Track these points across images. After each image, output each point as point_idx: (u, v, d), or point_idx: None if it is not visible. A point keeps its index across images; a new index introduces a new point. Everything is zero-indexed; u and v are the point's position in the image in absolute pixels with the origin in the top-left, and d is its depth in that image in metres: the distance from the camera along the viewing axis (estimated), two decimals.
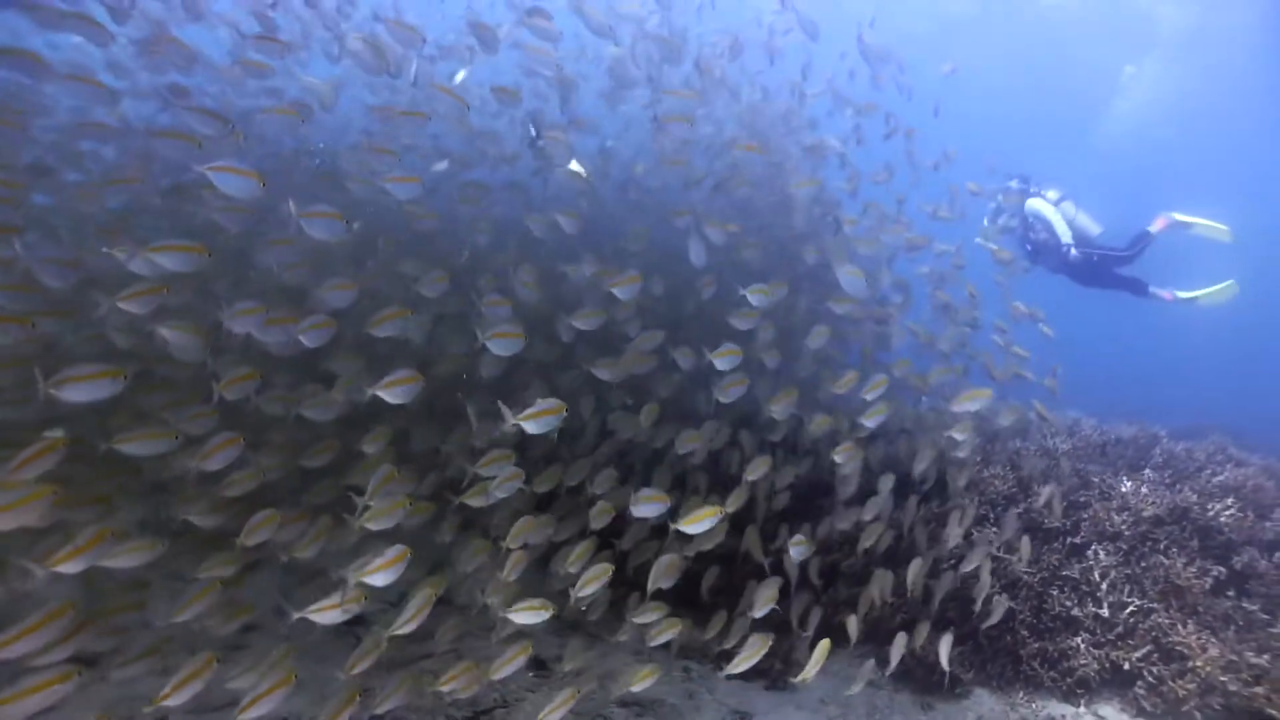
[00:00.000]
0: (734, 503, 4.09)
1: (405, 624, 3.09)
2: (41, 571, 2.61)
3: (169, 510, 3.59)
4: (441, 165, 4.99)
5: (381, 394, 3.45)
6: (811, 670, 3.35)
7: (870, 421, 4.42)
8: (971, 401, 4.60)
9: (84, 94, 4.10)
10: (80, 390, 2.87)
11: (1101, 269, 8.04)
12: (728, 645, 3.88)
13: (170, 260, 3.21)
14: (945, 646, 3.96)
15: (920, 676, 4.31)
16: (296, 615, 2.87)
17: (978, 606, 4.30)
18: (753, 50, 5.99)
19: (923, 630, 4.14)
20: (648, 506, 3.63)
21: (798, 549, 4.00)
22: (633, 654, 4.32)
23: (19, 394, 3.39)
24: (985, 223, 8.30)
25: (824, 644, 3.45)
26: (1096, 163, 23.72)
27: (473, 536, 3.92)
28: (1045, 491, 5.14)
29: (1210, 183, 23.59)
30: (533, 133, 4.74)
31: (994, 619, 4.29)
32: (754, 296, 4.33)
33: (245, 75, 4.90)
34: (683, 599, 4.32)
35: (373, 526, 3.29)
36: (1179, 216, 7.86)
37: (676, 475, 4.86)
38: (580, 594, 3.42)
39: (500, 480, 3.63)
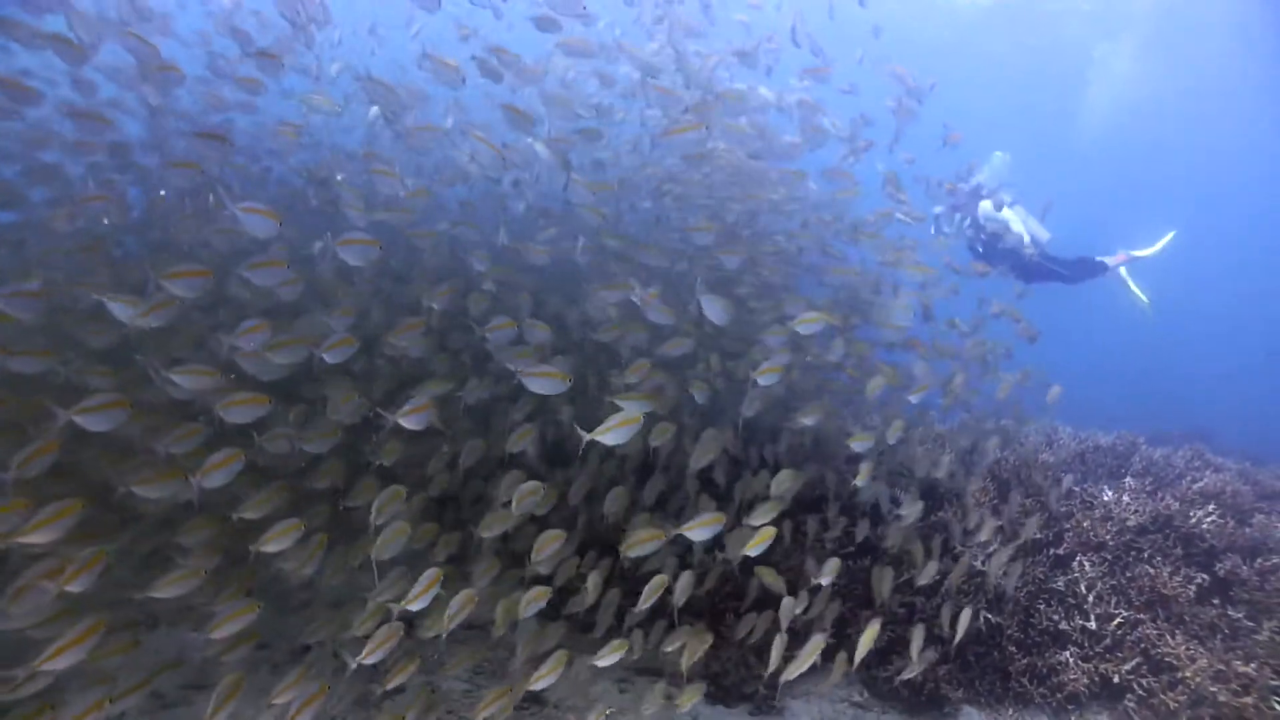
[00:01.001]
0: (760, 519, 3.97)
1: (451, 624, 3.16)
2: (54, 589, 2.65)
3: (146, 540, 3.51)
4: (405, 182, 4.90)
5: (404, 422, 3.47)
6: (861, 652, 3.49)
7: (893, 437, 4.48)
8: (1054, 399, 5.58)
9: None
10: (93, 420, 2.94)
11: (1049, 270, 8.34)
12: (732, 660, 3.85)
13: (182, 287, 3.22)
14: (964, 621, 3.94)
15: (907, 696, 4.27)
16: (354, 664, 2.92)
17: (994, 584, 4.48)
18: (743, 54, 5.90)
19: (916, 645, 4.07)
20: (702, 531, 3.51)
21: (827, 577, 3.90)
22: (615, 681, 4.22)
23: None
24: (932, 230, 8.35)
25: (871, 630, 3.51)
26: (1075, 162, 24.18)
27: (480, 558, 3.87)
28: (1066, 480, 5.44)
29: (1179, 176, 24.13)
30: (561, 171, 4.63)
31: (1009, 589, 4.55)
32: (803, 327, 4.12)
33: (237, 90, 4.83)
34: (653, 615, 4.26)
35: (382, 555, 3.31)
36: (1136, 253, 8.43)
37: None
38: (641, 607, 3.48)
39: (519, 500, 3.57)
